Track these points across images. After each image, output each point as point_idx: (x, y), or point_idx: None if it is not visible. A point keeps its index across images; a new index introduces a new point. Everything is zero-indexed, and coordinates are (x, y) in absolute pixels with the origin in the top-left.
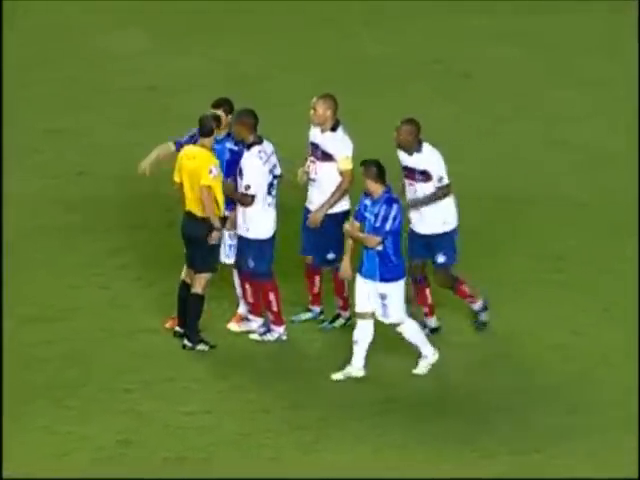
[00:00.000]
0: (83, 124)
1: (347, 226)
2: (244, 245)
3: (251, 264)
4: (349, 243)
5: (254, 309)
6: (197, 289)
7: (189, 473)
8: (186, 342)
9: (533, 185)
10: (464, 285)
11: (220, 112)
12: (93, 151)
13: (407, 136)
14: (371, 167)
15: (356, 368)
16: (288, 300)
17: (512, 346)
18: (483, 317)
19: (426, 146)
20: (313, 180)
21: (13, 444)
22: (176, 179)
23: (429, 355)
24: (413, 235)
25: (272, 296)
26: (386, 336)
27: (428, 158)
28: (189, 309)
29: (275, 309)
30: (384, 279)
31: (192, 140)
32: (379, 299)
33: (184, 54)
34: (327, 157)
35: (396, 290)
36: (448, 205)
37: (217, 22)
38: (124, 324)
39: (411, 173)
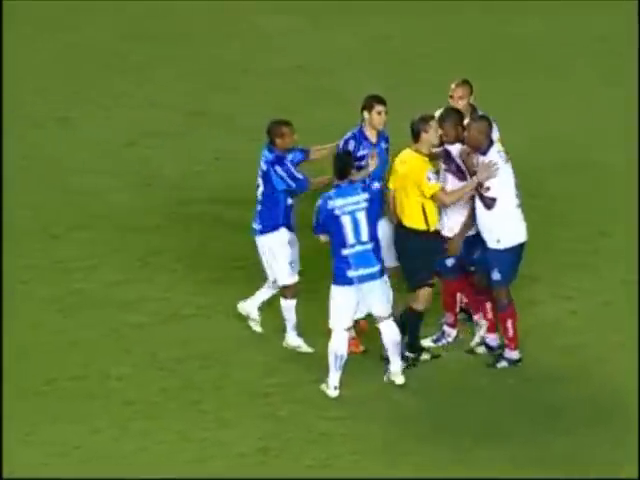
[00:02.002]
0: (227, 107)
1: None
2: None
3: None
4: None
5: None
6: (414, 305)
7: None
8: (408, 354)
9: None
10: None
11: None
12: (235, 136)
13: (477, 135)
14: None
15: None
16: None
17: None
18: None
19: (494, 150)
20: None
21: (144, 448)
22: (390, 185)
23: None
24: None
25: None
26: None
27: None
28: (408, 324)
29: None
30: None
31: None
32: None
33: (333, 31)
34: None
35: (332, 293)
36: (501, 221)
37: (365, 2)
38: (268, 321)
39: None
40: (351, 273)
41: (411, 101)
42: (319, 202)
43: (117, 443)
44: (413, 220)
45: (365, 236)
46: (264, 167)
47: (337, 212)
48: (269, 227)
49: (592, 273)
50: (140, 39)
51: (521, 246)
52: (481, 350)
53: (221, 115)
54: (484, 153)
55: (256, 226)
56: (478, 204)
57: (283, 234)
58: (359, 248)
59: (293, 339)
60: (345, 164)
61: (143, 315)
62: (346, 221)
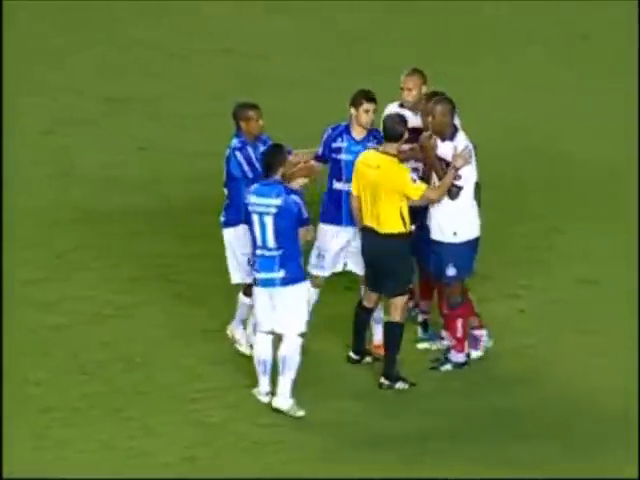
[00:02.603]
0: (152, 93)
1: None
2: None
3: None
4: None
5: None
6: (394, 317)
7: None
8: (383, 381)
9: None
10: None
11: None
12: (159, 124)
13: (442, 118)
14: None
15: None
16: None
17: None
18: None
19: (461, 134)
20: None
21: (63, 459)
22: (354, 190)
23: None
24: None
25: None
26: None
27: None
28: (387, 341)
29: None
30: None
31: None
32: None
33: (267, 15)
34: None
35: None
36: (460, 213)
37: None
38: (193, 322)
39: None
40: (255, 274)
41: (352, 87)
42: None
43: (35, 452)
44: (391, 225)
45: (271, 242)
46: (227, 152)
47: (250, 208)
48: (230, 221)
49: (544, 271)
50: (60, 22)
51: (477, 240)
52: (446, 369)
53: (145, 101)
54: (451, 138)
55: (221, 217)
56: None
57: (240, 231)
58: (264, 252)
59: (237, 331)
60: (271, 160)
61: (62, 315)
62: (255, 220)
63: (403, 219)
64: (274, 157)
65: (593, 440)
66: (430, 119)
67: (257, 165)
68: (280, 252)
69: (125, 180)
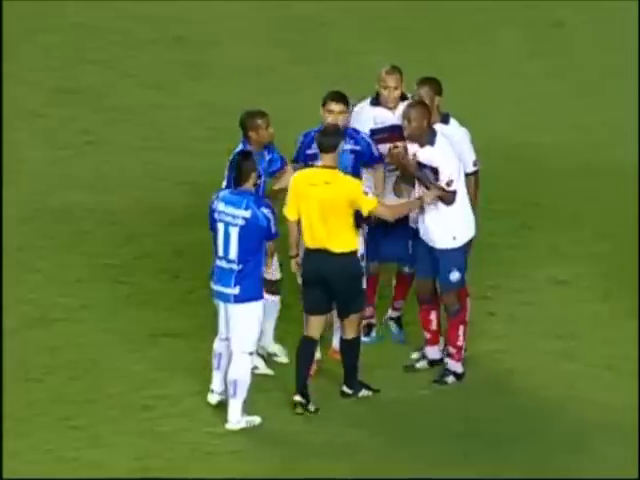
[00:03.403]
0: (98, 83)
1: None
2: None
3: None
4: None
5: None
6: (349, 334)
7: None
8: (345, 389)
9: None
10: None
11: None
12: (106, 116)
13: (419, 122)
14: None
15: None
16: None
17: None
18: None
19: (440, 137)
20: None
21: (14, 472)
22: (291, 216)
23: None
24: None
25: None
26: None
27: (441, 153)
28: (346, 356)
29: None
30: None
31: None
32: None
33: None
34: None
35: None
36: (457, 215)
37: None
38: (143, 326)
39: (420, 170)
40: (212, 284)
41: (313, 76)
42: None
43: None
44: (345, 243)
45: (232, 255)
46: (230, 158)
47: (215, 215)
48: None
49: (513, 271)
50: (6, 10)
51: (471, 241)
52: (421, 365)
53: (91, 92)
54: (431, 143)
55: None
56: (440, 207)
57: None
58: (223, 264)
59: (274, 346)
60: (242, 169)
61: (6, 319)
62: (220, 229)
63: (355, 236)
64: (244, 165)
65: (566, 448)
66: (406, 123)
67: (262, 175)
68: (239, 267)
69: (72, 176)
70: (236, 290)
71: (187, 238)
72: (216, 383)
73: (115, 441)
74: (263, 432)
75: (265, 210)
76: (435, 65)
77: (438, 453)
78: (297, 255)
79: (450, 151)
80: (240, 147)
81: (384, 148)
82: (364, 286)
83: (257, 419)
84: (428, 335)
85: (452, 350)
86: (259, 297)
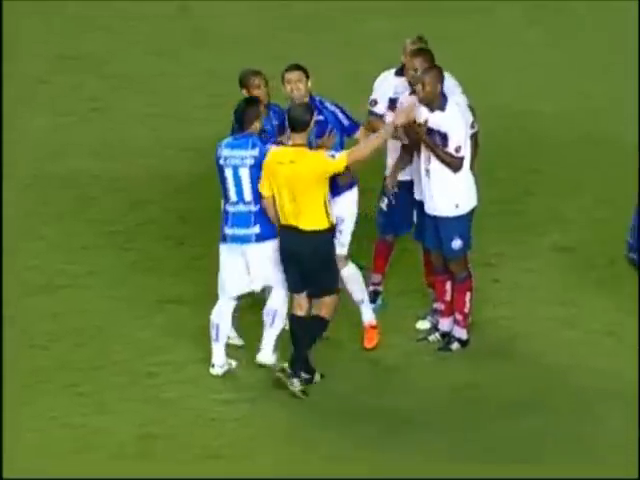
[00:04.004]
0: (102, 50)
1: None
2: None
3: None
4: None
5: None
6: (321, 312)
7: (225, 473)
8: (286, 366)
9: None
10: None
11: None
12: (112, 83)
13: (433, 87)
14: None
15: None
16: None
17: None
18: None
19: (451, 103)
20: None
21: (16, 440)
22: (266, 192)
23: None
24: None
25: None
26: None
27: (451, 119)
28: (305, 330)
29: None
30: None
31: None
32: None
33: None
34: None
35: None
36: (460, 183)
37: None
38: (148, 293)
39: (428, 134)
40: (227, 230)
41: (314, 43)
42: None
43: None
44: (315, 221)
45: (248, 196)
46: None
47: (221, 162)
48: None
49: (516, 238)
50: None
51: (473, 209)
52: (433, 338)
53: (94, 59)
54: (441, 108)
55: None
56: (438, 169)
57: None
58: (240, 207)
59: None
60: (246, 114)
61: (10, 286)
62: (229, 175)
63: (327, 213)
64: (248, 111)
65: (568, 415)
66: (419, 87)
67: (271, 134)
68: (257, 207)
69: (77, 143)
70: (257, 229)
71: (192, 204)
72: (217, 356)
73: (120, 407)
74: (269, 399)
75: (270, 146)
76: (435, 32)
77: (443, 420)
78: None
79: (460, 117)
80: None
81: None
82: (335, 267)
83: (285, 365)
84: (442, 306)
85: (458, 317)
86: (276, 236)
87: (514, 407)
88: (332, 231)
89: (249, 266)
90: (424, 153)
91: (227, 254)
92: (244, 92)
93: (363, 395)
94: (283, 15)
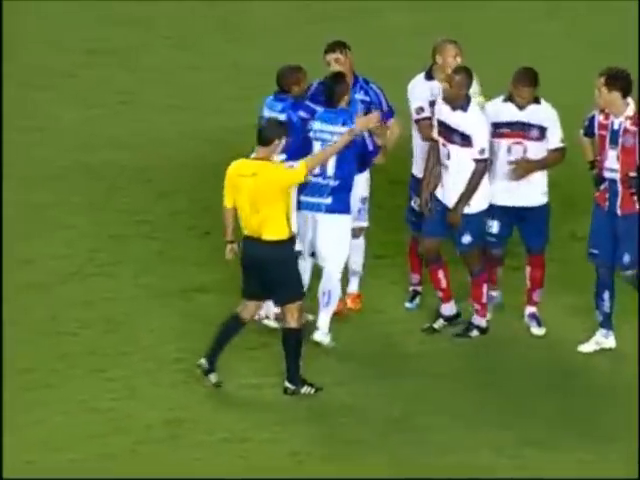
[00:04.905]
0: (131, 44)
1: None
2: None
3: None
4: None
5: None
6: (291, 323)
7: (250, 456)
8: (288, 384)
9: None
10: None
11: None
12: (138, 76)
13: (459, 90)
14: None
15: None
16: None
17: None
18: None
19: (473, 105)
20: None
21: (45, 422)
22: (227, 203)
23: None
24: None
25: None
26: None
27: (475, 121)
28: (286, 347)
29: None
30: None
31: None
32: None
33: None
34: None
35: None
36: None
37: None
38: (174, 281)
39: (448, 132)
40: (301, 197)
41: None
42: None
43: (11, 414)
44: (276, 232)
45: (330, 171)
46: (281, 117)
47: (312, 135)
48: None
49: None
50: None
51: (489, 207)
52: (439, 325)
53: (122, 53)
54: (463, 109)
55: None
56: (455, 165)
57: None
58: (320, 180)
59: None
60: (334, 90)
61: (41, 274)
62: (316, 147)
63: (288, 223)
64: (337, 87)
65: (584, 401)
66: (446, 86)
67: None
68: (336, 182)
69: (106, 135)
70: (329, 200)
71: (218, 195)
72: (323, 322)
73: (148, 392)
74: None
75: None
76: (452, 25)
77: (459, 404)
78: (232, 242)
79: (483, 120)
80: (274, 102)
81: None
82: (297, 276)
83: (333, 344)
84: (440, 293)
85: (477, 306)
86: (349, 211)
87: (530, 394)
88: (293, 241)
89: (315, 234)
90: (442, 150)
91: (301, 219)
92: (295, 87)
93: (382, 381)
94: (305, 7)
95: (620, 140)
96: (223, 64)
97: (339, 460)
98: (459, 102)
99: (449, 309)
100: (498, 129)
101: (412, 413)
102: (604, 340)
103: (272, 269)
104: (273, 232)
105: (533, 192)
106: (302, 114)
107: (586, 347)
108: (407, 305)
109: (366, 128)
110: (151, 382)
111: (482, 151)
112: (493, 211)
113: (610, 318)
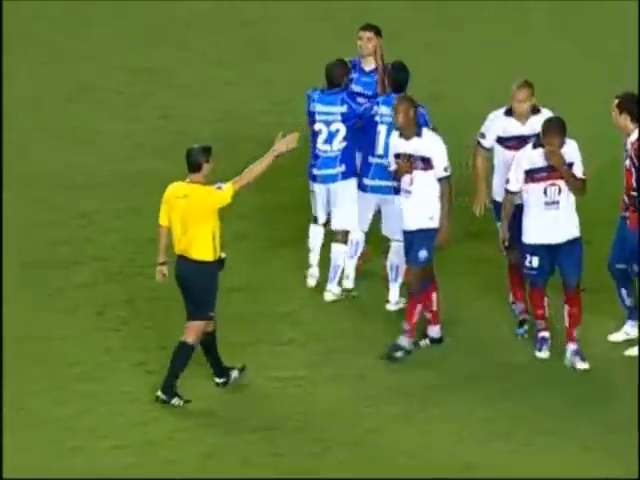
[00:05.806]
0: (170, 62)
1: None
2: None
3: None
4: None
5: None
6: (187, 338)
7: (277, 446)
8: (160, 394)
9: None
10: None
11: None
12: (179, 92)
13: (405, 116)
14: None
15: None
16: None
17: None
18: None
19: (425, 130)
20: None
21: (91, 412)
22: (162, 222)
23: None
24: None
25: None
26: None
27: (430, 143)
28: (174, 358)
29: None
30: None
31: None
32: None
33: None
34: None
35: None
36: (434, 199)
37: None
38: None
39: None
40: (367, 181)
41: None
42: (367, 105)
43: (59, 405)
44: (201, 252)
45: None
46: (342, 108)
47: (377, 119)
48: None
49: None
50: None
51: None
52: (423, 343)
53: (163, 71)
54: (418, 135)
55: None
56: (424, 191)
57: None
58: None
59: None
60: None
61: (85, 275)
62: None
63: (214, 245)
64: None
65: (588, 397)
66: (394, 115)
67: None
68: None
69: (147, 146)
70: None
71: (253, 202)
72: (393, 294)
73: (186, 384)
74: (320, 376)
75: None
76: (464, 41)
77: (476, 401)
78: (163, 263)
79: (439, 140)
80: (322, 95)
81: (510, 155)
82: (212, 298)
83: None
84: (429, 315)
85: (406, 326)
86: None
87: (538, 384)
88: (217, 263)
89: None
90: (405, 179)
91: (361, 199)
92: (346, 80)
93: (398, 374)
94: (331, 24)
95: (625, 161)
96: (256, 80)
97: (362, 447)
98: (410, 130)
99: (436, 332)
100: (535, 174)
101: (430, 402)
102: (632, 330)
103: (192, 285)
104: (198, 252)
105: (565, 227)
106: (361, 101)
107: (615, 337)
108: (518, 331)
109: (286, 149)
110: (187, 375)
111: (445, 169)
112: (532, 249)
113: (635, 310)
